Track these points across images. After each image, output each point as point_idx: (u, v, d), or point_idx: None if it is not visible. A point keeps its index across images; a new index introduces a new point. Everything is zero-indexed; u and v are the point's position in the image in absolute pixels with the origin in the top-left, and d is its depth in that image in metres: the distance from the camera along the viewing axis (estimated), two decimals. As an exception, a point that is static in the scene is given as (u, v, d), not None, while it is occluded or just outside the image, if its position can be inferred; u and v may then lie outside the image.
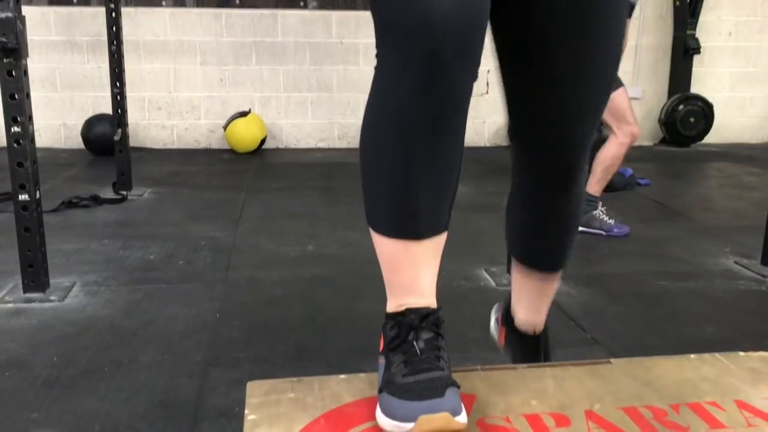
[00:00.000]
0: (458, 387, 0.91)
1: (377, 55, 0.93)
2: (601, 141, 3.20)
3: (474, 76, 0.91)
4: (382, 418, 0.90)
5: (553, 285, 1.34)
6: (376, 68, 0.94)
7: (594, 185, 3.20)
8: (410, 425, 0.85)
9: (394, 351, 0.96)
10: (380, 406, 0.92)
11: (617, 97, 3.04)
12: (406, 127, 0.92)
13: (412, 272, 1.03)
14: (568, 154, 1.12)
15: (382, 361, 0.99)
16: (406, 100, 0.90)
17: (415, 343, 0.95)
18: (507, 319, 1.43)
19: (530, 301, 1.36)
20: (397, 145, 0.94)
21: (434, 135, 0.93)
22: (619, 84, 3.06)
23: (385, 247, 1.02)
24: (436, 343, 0.97)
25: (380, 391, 0.94)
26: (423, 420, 0.84)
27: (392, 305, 1.03)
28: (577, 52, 1.04)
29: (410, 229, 1.00)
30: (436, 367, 0.92)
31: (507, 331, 1.43)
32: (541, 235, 1.25)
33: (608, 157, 3.14)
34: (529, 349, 1.40)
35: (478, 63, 0.91)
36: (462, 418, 0.87)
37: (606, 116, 3.11)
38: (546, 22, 1.03)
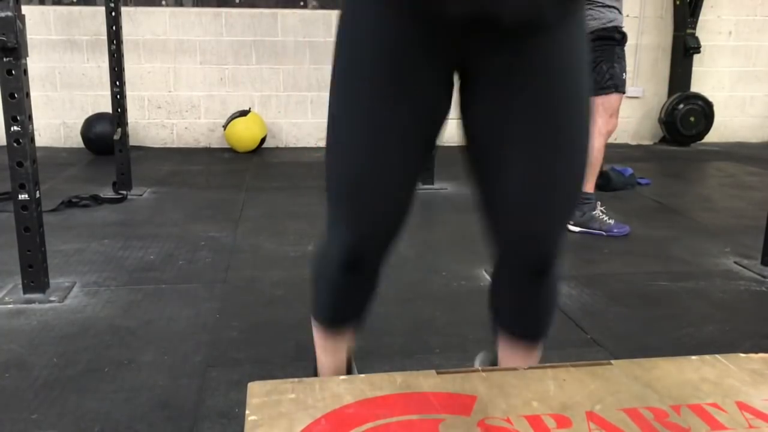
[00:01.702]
0: None
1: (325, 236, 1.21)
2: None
3: (384, 263, 1.21)
4: None
5: (537, 352, 1.33)
6: (322, 242, 1.24)
7: (586, 183, 3.21)
8: None
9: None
10: None
11: (614, 99, 3.16)
12: (335, 289, 1.25)
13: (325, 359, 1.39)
14: (540, 246, 1.13)
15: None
16: (335, 271, 1.21)
17: None
18: None
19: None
20: (327, 299, 1.29)
21: (354, 295, 1.27)
22: (621, 89, 3.14)
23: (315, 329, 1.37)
24: None
25: None
26: None
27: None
28: (541, 145, 1.03)
29: (333, 327, 1.34)
30: None
31: None
32: (523, 314, 1.27)
33: (592, 150, 3.16)
34: None
35: (388, 257, 1.19)
36: None
37: (596, 107, 3.18)
38: (509, 120, 1.03)
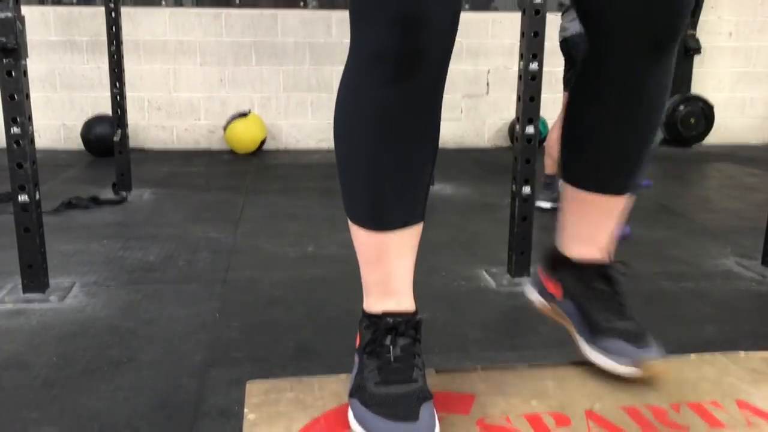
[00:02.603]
0: (431, 398, 0.92)
1: (351, 47, 0.94)
2: None
3: (446, 67, 0.93)
4: (357, 428, 0.91)
5: (621, 206, 1.16)
6: (349, 58, 0.95)
7: None
8: None
9: (369, 355, 0.96)
10: (353, 412, 0.93)
11: None
12: (379, 117, 0.93)
13: (386, 266, 1.00)
14: (668, 16, 0.95)
15: (356, 359, 1.00)
16: (380, 91, 0.91)
17: (391, 348, 0.95)
18: (557, 264, 1.18)
19: (593, 228, 1.15)
20: (369, 135, 0.94)
21: (407, 125, 0.94)
22: None
23: (359, 238, 1.02)
24: (412, 349, 0.97)
25: (351, 395, 0.95)
26: None
27: (369, 303, 1.02)
28: None
29: (382, 220, 0.98)
30: (409, 379, 0.93)
31: (563, 277, 1.16)
32: (621, 129, 1.06)
33: None
34: (602, 283, 1.19)
35: (449, 53, 0.92)
36: None
37: None
38: None
